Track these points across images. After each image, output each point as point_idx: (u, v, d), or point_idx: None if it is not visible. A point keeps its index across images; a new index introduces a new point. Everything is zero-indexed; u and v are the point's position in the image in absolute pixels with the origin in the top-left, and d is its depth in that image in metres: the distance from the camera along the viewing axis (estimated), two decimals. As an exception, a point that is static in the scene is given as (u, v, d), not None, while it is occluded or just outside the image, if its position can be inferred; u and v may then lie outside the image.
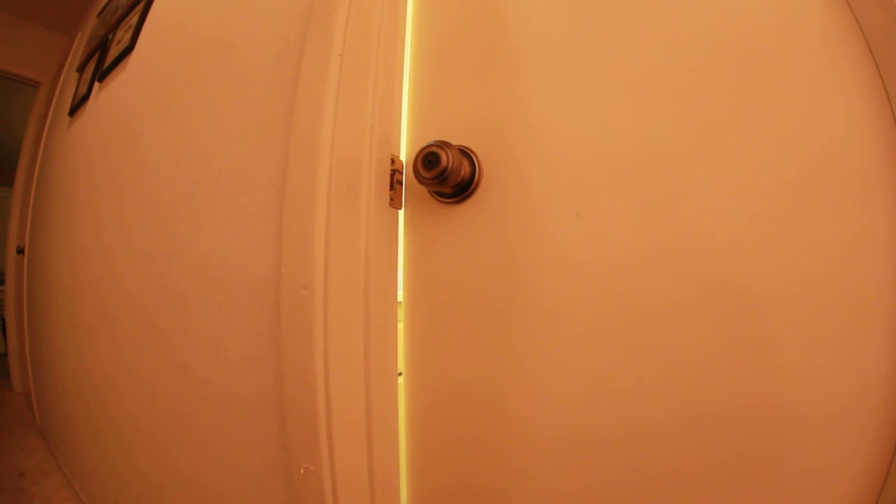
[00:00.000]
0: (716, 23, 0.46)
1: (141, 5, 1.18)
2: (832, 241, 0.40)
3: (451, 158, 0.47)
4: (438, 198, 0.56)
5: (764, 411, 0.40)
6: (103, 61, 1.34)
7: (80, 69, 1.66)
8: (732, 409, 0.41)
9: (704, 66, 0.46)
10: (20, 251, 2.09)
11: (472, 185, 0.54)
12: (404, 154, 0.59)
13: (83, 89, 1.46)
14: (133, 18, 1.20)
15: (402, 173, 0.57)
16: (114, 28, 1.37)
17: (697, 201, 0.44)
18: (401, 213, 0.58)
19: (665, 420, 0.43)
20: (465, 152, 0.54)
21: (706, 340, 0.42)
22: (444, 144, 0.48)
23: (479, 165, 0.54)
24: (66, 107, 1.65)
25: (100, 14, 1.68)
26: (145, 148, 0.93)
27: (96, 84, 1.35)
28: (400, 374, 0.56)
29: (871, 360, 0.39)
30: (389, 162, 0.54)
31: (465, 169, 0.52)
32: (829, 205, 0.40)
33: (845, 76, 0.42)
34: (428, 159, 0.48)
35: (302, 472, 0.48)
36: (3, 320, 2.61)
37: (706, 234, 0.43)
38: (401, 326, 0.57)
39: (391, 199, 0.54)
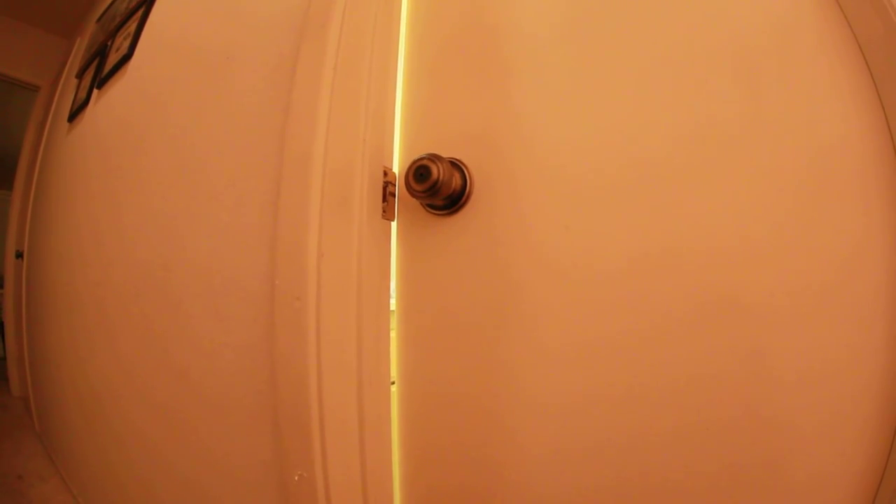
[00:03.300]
0: (711, 32, 0.46)
1: (139, 13, 1.19)
2: (827, 250, 0.40)
3: (441, 171, 0.48)
4: (430, 210, 0.57)
5: (757, 420, 0.40)
6: (102, 68, 1.35)
7: (80, 75, 1.67)
8: (725, 418, 0.41)
9: (699, 76, 0.46)
10: (19, 255, 2.09)
11: (464, 198, 0.55)
12: (397, 166, 0.60)
13: (82, 95, 1.47)
14: (131, 26, 1.21)
15: (394, 185, 0.58)
16: (113, 34, 1.38)
17: (690, 210, 0.44)
18: (393, 224, 0.59)
19: (657, 428, 0.43)
20: (456, 164, 0.55)
21: (698, 349, 0.42)
22: (434, 157, 0.49)
23: (470, 178, 0.55)
24: (66, 112, 1.66)
25: (99, 20, 1.69)
26: (143, 157, 0.94)
27: (95, 91, 1.36)
28: (393, 382, 0.57)
29: (866, 369, 0.39)
30: (382, 174, 0.55)
31: (456, 181, 0.53)
32: (825, 213, 0.41)
33: (841, 84, 0.42)
34: (419, 172, 0.49)
35: (296, 478, 0.49)
36: (2, 324, 2.61)
37: (699, 243, 0.43)
38: (393, 335, 0.58)
39: (384, 211, 0.55)
